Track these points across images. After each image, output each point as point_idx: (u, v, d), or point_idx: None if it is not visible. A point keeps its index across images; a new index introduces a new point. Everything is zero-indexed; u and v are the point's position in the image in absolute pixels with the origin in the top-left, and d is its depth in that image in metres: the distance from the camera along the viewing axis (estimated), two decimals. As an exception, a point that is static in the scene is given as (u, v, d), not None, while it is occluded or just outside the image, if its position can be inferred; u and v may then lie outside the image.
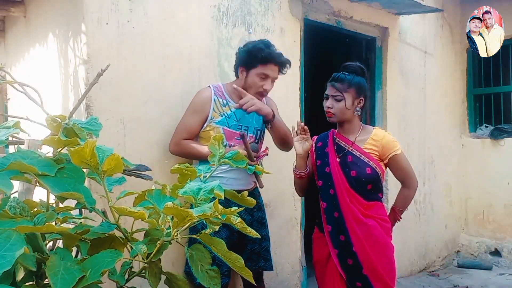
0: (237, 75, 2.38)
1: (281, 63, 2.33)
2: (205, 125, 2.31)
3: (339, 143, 2.24)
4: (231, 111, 2.34)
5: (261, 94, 2.34)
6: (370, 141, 2.20)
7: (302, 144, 2.22)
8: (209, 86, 2.39)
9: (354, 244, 2.13)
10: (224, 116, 2.32)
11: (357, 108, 2.20)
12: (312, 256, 2.36)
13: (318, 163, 2.27)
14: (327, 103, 2.21)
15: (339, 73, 2.22)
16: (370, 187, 2.18)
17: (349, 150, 2.20)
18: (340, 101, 2.16)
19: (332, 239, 2.19)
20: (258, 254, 2.39)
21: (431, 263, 4.48)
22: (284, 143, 2.47)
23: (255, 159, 2.26)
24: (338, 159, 2.21)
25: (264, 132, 2.50)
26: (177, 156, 2.34)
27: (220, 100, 2.33)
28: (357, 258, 2.12)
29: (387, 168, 2.28)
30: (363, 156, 2.17)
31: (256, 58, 2.25)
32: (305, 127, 2.22)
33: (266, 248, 2.45)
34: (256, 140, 2.43)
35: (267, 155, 2.39)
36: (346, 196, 2.15)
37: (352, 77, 2.18)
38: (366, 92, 2.24)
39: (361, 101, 2.20)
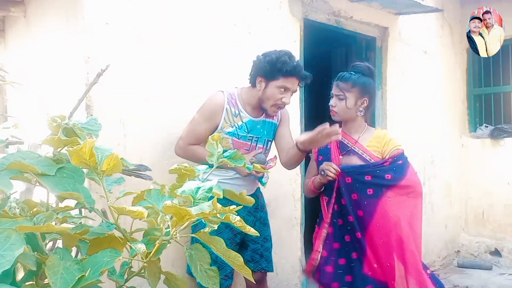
0: (253, 84, 2.27)
1: (303, 78, 2.25)
2: (215, 133, 2.22)
3: (342, 140, 2.26)
4: (242, 122, 2.27)
5: (279, 106, 2.26)
6: (372, 139, 2.24)
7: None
8: (222, 91, 2.29)
9: (351, 226, 2.17)
10: (234, 128, 2.26)
11: (360, 108, 2.22)
12: (312, 256, 2.37)
13: (320, 159, 2.30)
14: (331, 102, 2.25)
15: (346, 72, 2.24)
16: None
17: (352, 148, 2.23)
18: (342, 100, 2.19)
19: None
20: (260, 255, 2.39)
21: (431, 263, 4.47)
22: (292, 166, 2.38)
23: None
24: (340, 156, 2.24)
25: (272, 141, 2.45)
26: (182, 158, 2.30)
27: (232, 109, 2.26)
28: (355, 234, 2.16)
29: None
30: (365, 154, 2.21)
31: (280, 70, 2.16)
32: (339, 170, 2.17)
33: (268, 249, 2.45)
34: (266, 151, 2.39)
35: (275, 165, 2.30)
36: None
37: (357, 76, 2.20)
38: (371, 92, 2.26)
39: (365, 101, 2.22)
